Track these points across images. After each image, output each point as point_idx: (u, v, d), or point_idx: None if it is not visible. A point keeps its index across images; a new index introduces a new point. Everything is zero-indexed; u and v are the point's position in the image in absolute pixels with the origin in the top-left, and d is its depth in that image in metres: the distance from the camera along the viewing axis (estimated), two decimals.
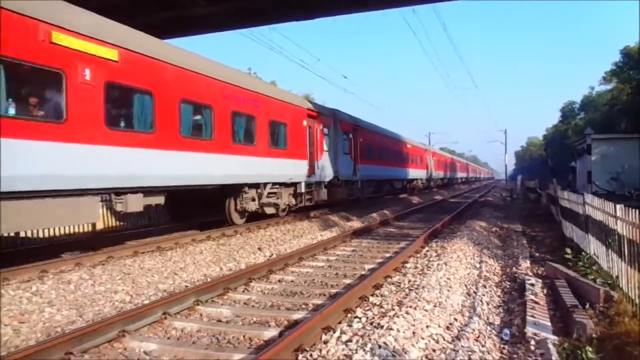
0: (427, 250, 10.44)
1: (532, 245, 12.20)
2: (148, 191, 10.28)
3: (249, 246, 11.93)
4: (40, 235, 12.87)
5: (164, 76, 10.54)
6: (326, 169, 19.37)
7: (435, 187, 48.07)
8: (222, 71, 12.92)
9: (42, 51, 7.81)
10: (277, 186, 15.63)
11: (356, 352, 4.40)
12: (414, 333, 4.97)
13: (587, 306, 6.09)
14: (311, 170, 17.86)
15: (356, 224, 16.36)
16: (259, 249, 11.66)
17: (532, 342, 5.03)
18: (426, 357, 4.56)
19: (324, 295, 7.13)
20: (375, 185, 27.79)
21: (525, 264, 9.35)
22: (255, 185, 14.54)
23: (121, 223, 15.85)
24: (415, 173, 37.88)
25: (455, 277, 7.72)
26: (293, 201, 16.92)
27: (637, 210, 5.86)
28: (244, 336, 5.44)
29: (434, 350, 4.72)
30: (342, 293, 6.76)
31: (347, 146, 22.05)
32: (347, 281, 7.99)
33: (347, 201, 22.34)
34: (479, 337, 5.26)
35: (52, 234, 13.37)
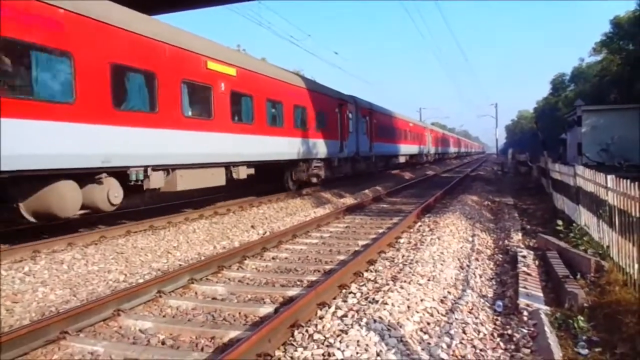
0: (420, 225, 10.49)
1: (523, 218, 12.30)
2: (248, 165, 14.35)
3: (242, 224, 11.92)
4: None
5: (260, 84, 14.91)
6: (351, 147, 23.38)
7: (432, 161, 50.81)
8: (287, 75, 17.84)
9: (204, 74, 12.14)
10: (319, 161, 19.44)
11: (351, 327, 4.43)
12: (408, 307, 5.01)
13: (579, 276, 6.17)
14: (341, 148, 22.05)
15: (349, 200, 16.39)
16: (252, 226, 11.67)
17: (525, 313, 5.10)
18: (421, 330, 4.61)
19: (319, 271, 7.15)
20: (386, 160, 31.91)
21: (517, 237, 9.43)
22: (305, 161, 18.39)
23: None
24: (417, 149, 42.13)
25: (449, 251, 7.78)
26: (328, 173, 20.69)
27: (627, 181, 5.89)
28: (239, 313, 5.46)
29: (428, 324, 4.77)
30: (336, 269, 6.78)
31: (365, 127, 26.09)
32: (341, 257, 8.02)
33: (344, 178, 24.16)
34: (472, 309, 5.32)
35: None
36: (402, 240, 8.98)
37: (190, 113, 11.72)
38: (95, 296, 6.19)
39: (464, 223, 10.66)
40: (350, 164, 23.65)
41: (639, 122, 22.17)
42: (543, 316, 4.89)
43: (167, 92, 10.72)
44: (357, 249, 8.68)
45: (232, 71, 13.25)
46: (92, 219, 11.27)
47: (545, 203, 14.27)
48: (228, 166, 13.34)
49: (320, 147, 19.54)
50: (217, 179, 12.85)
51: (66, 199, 8.54)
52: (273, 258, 8.20)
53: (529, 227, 10.82)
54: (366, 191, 18.85)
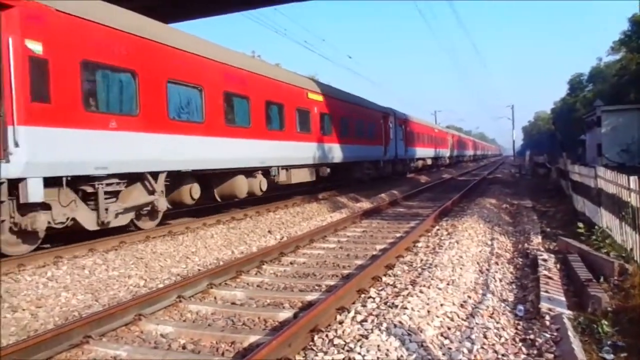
0: (438, 229, 10.43)
1: (542, 220, 12.15)
2: (328, 166, 19.22)
3: (259, 229, 11.97)
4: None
5: (334, 105, 19.89)
6: (391, 151, 27.94)
7: (449, 164, 53.12)
8: (349, 96, 22.96)
9: (305, 102, 17.17)
10: (370, 163, 24.62)
11: (372, 332, 4.41)
12: (428, 312, 4.97)
13: (602, 280, 6.07)
14: (385, 152, 26.69)
15: (365, 204, 16.36)
16: (269, 231, 11.70)
17: (547, 318, 5.03)
18: (441, 335, 4.57)
19: (337, 276, 7.15)
20: (415, 162, 35.73)
21: (536, 240, 9.32)
22: (363, 162, 23.56)
23: None
24: (442, 152, 46.79)
25: (467, 255, 7.71)
26: (375, 174, 25.36)
27: None
28: (258, 318, 5.48)
29: (449, 328, 4.73)
30: (354, 274, 6.78)
31: (401, 134, 30.70)
32: (359, 262, 8.00)
33: (361, 182, 25.37)
34: (493, 313, 5.26)
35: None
36: (420, 244, 8.93)
37: (298, 130, 16.64)
38: (116, 301, 6.27)
39: (482, 226, 10.56)
40: (391, 165, 28.43)
41: None
42: (566, 320, 4.82)
43: (287, 116, 15.83)
44: (374, 253, 8.65)
45: (320, 98, 18.63)
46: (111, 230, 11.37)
47: (565, 205, 14.07)
48: (317, 167, 18.31)
49: (372, 151, 24.94)
50: (311, 175, 17.83)
51: (241, 186, 13.25)
52: (291, 263, 8.22)
53: (548, 229, 10.68)
54: (382, 195, 18.80)
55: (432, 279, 6.13)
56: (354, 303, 5.56)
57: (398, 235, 10.38)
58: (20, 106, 7.35)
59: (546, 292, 5.77)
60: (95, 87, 8.90)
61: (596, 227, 8.75)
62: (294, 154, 16.02)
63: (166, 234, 10.74)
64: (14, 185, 7.49)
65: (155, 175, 10.29)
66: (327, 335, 4.57)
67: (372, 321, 4.74)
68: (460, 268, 6.88)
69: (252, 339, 4.80)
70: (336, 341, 4.38)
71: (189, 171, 11.35)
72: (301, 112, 16.77)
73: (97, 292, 6.84)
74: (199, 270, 7.83)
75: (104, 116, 8.95)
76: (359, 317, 4.93)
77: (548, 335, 4.62)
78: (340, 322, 4.87)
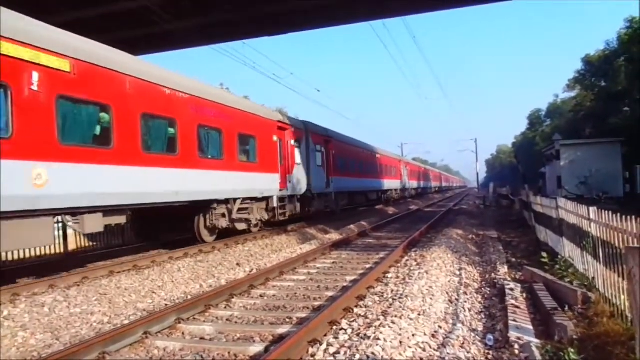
0: (407, 260, 10.50)
1: (508, 250, 12.40)
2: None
3: (227, 262, 11.78)
4: (10, 257, 12.46)
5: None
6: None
7: (409, 197, 48.68)
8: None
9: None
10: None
11: None
12: (400, 342, 4.97)
13: (567, 308, 6.21)
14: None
15: (334, 236, 16.36)
16: (238, 264, 11.54)
17: (516, 346, 5.09)
18: None
19: (308, 308, 7.08)
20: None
21: (503, 270, 9.49)
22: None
23: (93, 243, 15.47)
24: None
25: (437, 285, 7.78)
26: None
27: (609, 212, 6.03)
28: (228, 353, 5.35)
29: (421, 359, 4.73)
30: (326, 305, 6.73)
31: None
32: (330, 294, 7.95)
33: (323, 214, 22.37)
34: (463, 343, 5.30)
35: (22, 256, 12.95)
36: (390, 275, 8.96)
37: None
38: (78, 339, 6.03)
39: (450, 257, 10.70)
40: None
41: (617, 155, 22.79)
42: (534, 349, 4.89)
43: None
44: (345, 284, 8.63)
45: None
46: (74, 261, 11.02)
47: (529, 236, 14.44)
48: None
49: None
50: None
51: None
52: (261, 296, 8.10)
53: (514, 259, 10.90)
54: (351, 226, 18.86)
55: (403, 309, 6.14)
56: (326, 335, 5.51)
57: (368, 266, 10.39)
58: None
59: (514, 321, 5.86)
60: None
61: (559, 256, 8.99)
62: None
63: (131, 269, 10.45)
64: None
65: None
66: None
67: (345, 353, 4.70)
68: (431, 298, 6.92)
69: None
70: None
71: None
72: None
73: (57, 330, 6.57)
74: (166, 305, 7.62)
75: None
76: (332, 349, 4.89)
77: None
78: (313, 355, 4.81)
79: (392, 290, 7.50)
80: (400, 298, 6.82)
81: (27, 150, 7.86)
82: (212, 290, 8.17)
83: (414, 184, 51.45)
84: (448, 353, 4.91)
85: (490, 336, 5.61)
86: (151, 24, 17.64)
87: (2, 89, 7.59)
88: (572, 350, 4.83)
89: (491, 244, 13.49)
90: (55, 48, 8.50)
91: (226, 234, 14.93)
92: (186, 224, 13.84)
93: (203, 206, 13.44)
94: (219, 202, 13.85)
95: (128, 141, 10.21)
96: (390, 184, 38.28)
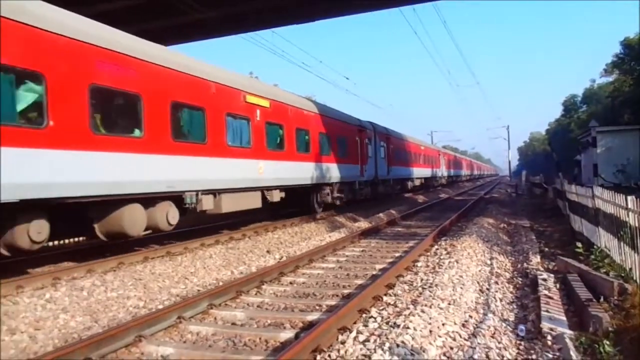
0: (437, 249, 10.43)
1: (541, 240, 12.18)
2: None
3: (257, 249, 11.94)
4: (50, 244, 12.90)
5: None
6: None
7: (443, 184, 50.75)
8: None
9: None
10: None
11: (374, 352, 4.41)
12: (430, 331, 4.97)
13: (602, 300, 6.08)
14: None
15: (363, 224, 16.36)
16: (268, 251, 11.68)
17: (549, 338, 5.03)
18: (444, 355, 4.57)
19: (337, 296, 7.14)
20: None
21: (535, 259, 9.33)
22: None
23: None
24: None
25: (467, 275, 7.72)
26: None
27: None
28: (259, 338, 5.45)
29: (451, 348, 4.72)
30: (355, 293, 6.76)
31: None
32: (359, 281, 7.99)
33: (357, 201, 24.18)
34: (494, 333, 5.26)
35: (60, 243, 13.40)
36: (419, 264, 8.93)
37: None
38: (116, 322, 6.23)
39: (481, 246, 10.58)
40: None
41: None
42: (568, 340, 4.82)
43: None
44: (374, 273, 8.65)
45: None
46: (110, 246, 11.34)
47: (563, 225, 14.12)
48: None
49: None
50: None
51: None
52: (291, 283, 8.20)
53: (547, 249, 10.70)
54: (380, 215, 18.81)
55: (433, 298, 6.13)
56: (355, 323, 5.55)
57: (397, 254, 10.37)
58: None
59: (547, 311, 5.78)
60: None
61: (595, 246, 8.78)
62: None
63: (164, 255, 10.70)
64: None
65: None
66: (329, 356, 4.56)
67: (375, 341, 4.73)
68: (461, 287, 6.88)
69: (254, 359, 4.77)
70: None
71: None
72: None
73: (96, 313, 6.80)
74: (199, 290, 7.79)
75: None
76: (361, 337, 4.92)
77: (550, 356, 4.63)
78: (343, 342, 4.86)
79: (422, 279, 7.48)
80: (430, 287, 6.80)
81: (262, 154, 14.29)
82: (243, 276, 8.31)
83: (450, 172, 55.03)
84: (479, 343, 4.89)
85: (522, 326, 5.55)
86: (181, 13, 17.79)
87: (245, 120, 13.47)
88: (607, 342, 4.75)
89: (523, 233, 13.27)
90: (262, 94, 14.49)
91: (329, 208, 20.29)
92: (303, 200, 18.53)
93: (318, 187, 18.71)
94: (327, 184, 19.31)
95: (319, 150, 18.29)
96: (432, 172, 43.08)
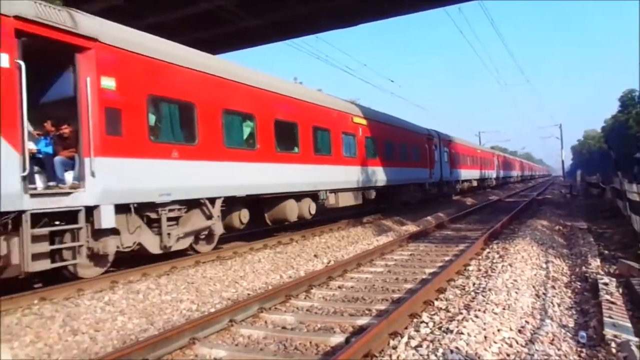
0: (489, 252, 10.15)
1: (599, 242, 11.62)
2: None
3: (305, 254, 11.99)
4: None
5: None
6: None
7: (495, 185, 51.07)
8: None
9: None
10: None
11: (427, 358, 4.33)
12: (485, 337, 4.82)
13: None
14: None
15: (411, 227, 16.14)
16: (316, 255, 11.71)
17: (613, 344, 4.78)
18: None
19: (387, 300, 7.06)
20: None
21: (595, 263, 8.91)
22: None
23: None
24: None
25: (522, 279, 7.46)
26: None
27: None
28: (310, 342, 5.46)
29: (508, 355, 4.57)
30: (405, 298, 6.68)
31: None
32: (409, 286, 7.88)
33: (409, 204, 25.15)
34: (553, 340, 5.05)
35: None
36: (471, 268, 8.71)
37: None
38: (170, 325, 6.41)
39: (535, 249, 10.21)
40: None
41: None
42: (634, 348, 4.57)
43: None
44: (424, 277, 8.50)
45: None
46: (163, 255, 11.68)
47: (623, 226, 13.42)
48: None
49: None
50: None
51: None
52: (339, 287, 8.18)
53: (606, 252, 10.20)
54: (428, 218, 18.51)
55: (486, 303, 5.95)
56: (406, 328, 5.46)
57: (447, 258, 10.16)
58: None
59: (610, 317, 5.50)
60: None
61: None
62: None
63: (215, 259, 10.93)
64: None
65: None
66: None
67: (427, 346, 4.64)
68: (516, 292, 6.65)
69: None
70: None
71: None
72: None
73: (151, 316, 7.01)
74: (249, 294, 7.90)
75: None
76: (413, 342, 4.84)
77: None
78: (394, 348, 4.79)
79: (474, 284, 7.29)
80: (483, 291, 6.61)
81: (364, 162, 18.22)
82: (291, 280, 8.37)
83: (498, 173, 54.98)
84: (537, 349, 4.70)
85: (582, 333, 5.30)
86: (227, 22, 18.24)
87: (352, 136, 17.43)
88: None
89: (580, 236, 12.71)
90: (362, 114, 18.47)
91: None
92: (386, 199, 21.47)
93: (404, 187, 22.58)
94: (405, 186, 22.73)
95: (400, 157, 22.12)
96: (488, 173, 45.91)
